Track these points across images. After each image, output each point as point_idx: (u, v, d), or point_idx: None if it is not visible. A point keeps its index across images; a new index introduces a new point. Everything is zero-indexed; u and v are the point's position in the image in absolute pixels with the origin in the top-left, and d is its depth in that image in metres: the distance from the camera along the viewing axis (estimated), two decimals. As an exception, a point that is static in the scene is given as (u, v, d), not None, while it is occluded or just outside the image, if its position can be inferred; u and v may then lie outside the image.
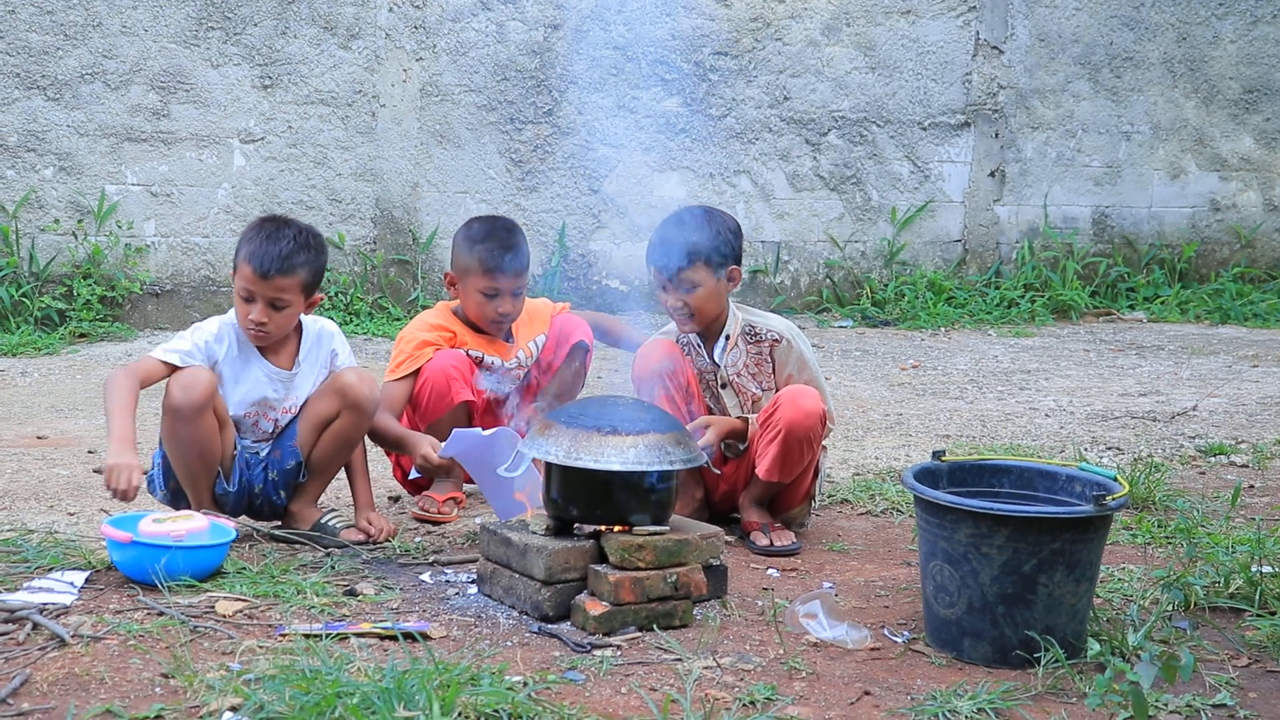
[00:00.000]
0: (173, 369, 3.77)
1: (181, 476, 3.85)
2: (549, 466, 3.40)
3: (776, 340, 4.14)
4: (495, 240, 4.32)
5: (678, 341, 4.19)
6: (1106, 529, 3.17)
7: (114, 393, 3.66)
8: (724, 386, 4.16)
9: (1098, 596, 3.34)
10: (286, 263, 3.80)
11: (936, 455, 3.41)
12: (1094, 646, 2.93)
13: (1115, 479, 3.23)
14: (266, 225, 3.89)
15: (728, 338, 4.15)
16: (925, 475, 3.33)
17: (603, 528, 3.37)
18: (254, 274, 3.79)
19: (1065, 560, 3.04)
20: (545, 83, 8.92)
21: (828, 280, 9.68)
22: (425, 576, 3.65)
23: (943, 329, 9.12)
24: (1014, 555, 3.04)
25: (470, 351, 4.36)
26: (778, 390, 4.10)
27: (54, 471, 4.84)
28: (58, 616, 3.13)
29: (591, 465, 3.28)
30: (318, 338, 4.02)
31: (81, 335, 7.87)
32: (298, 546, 3.84)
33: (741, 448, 4.15)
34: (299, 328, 3.99)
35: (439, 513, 4.27)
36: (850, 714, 2.80)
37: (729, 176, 9.38)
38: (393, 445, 4.22)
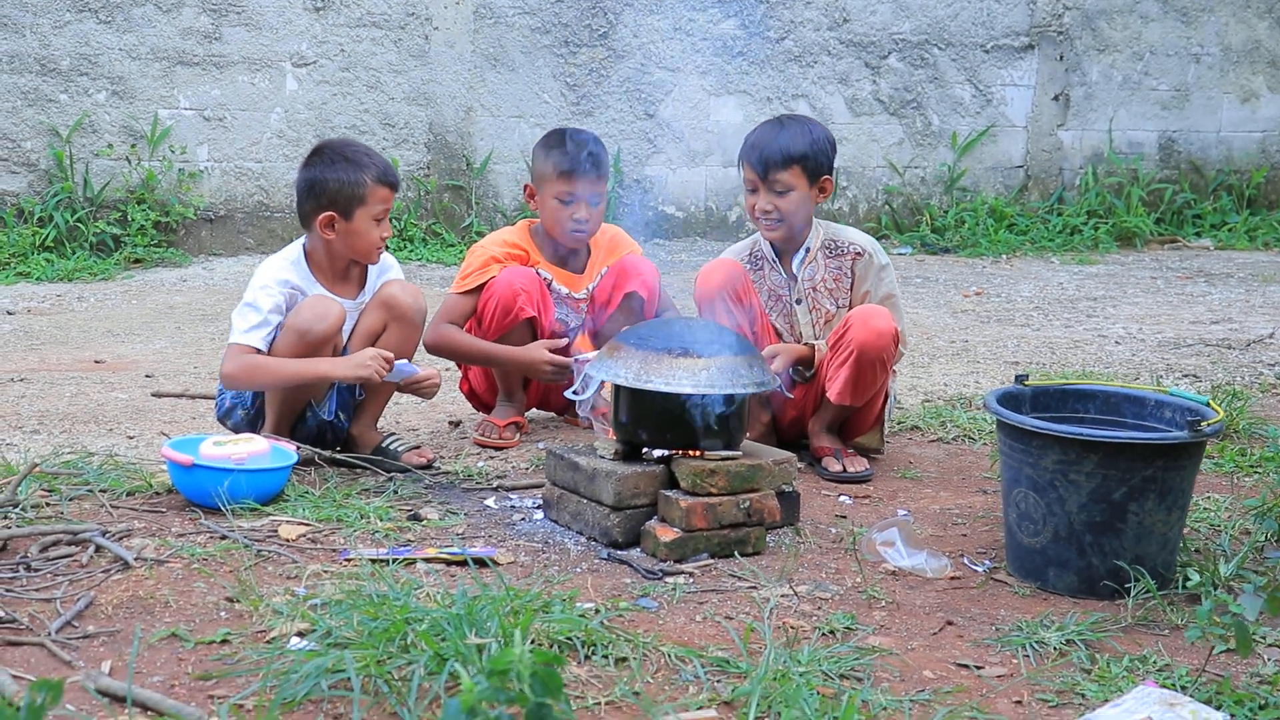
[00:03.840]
0: (256, 349, 3.69)
1: (273, 396, 3.79)
2: (618, 389, 3.30)
3: (859, 254, 4.02)
4: (571, 144, 4.24)
5: (753, 255, 4.08)
6: (1200, 456, 3.04)
7: (273, 365, 3.65)
8: (799, 302, 4.05)
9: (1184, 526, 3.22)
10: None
11: (1020, 379, 3.29)
12: (1193, 577, 2.81)
13: (1208, 404, 3.10)
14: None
15: (808, 250, 4.04)
16: (1008, 400, 3.21)
17: (673, 452, 3.27)
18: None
19: (1157, 488, 2.92)
20: (600, 4, 8.74)
21: (886, 206, 9.50)
22: (490, 501, 3.58)
23: (1004, 256, 8.94)
24: (1103, 482, 2.92)
25: (540, 272, 4.26)
26: (852, 308, 3.99)
27: (112, 395, 4.80)
28: (120, 539, 3.08)
29: (662, 388, 3.18)
30: (381, 270, 3.94)
31: (136, 261, 7.84)
32: (359, 470, 3.77)
33: (809, 375, 4.04)
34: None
35: (500, 438, 4.20)
36: (933, 644, 2.71)
37: (786, 100, 9.18)
38: (500, 364, 4.21)
